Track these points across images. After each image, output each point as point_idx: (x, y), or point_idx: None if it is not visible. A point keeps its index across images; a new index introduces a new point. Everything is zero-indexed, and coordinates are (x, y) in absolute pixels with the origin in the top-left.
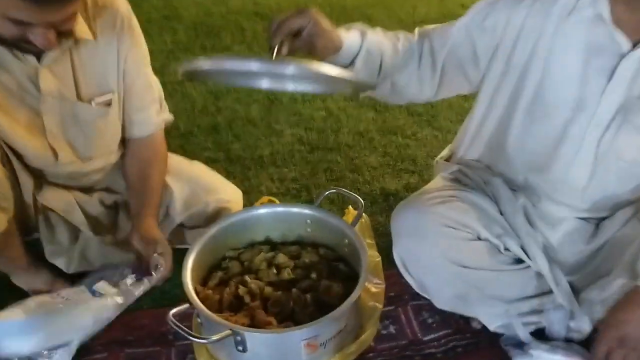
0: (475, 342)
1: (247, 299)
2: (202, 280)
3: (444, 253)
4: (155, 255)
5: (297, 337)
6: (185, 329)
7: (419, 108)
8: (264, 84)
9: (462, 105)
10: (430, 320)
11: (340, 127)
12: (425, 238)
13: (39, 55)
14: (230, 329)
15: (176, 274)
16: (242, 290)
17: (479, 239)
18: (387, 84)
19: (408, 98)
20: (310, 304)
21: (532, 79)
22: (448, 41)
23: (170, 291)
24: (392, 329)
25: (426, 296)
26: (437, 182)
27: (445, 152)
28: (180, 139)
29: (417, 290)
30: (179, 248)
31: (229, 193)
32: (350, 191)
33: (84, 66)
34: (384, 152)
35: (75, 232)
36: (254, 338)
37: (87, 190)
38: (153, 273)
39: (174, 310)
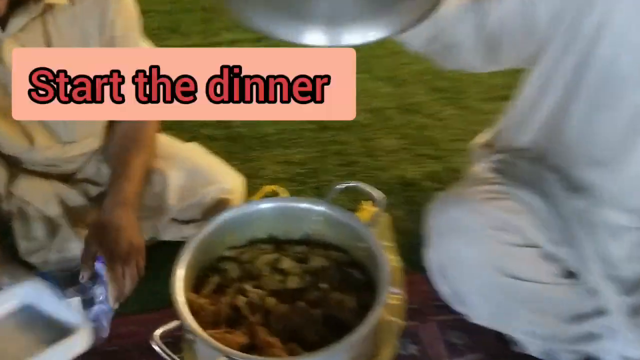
0: None
1: (246, 311)
2: (196, 285)
3: (491, 259)
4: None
5: None
6: (174, 356)
7: (442, 83)
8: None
9: (490, 82)
10: (458, 341)
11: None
12: (472, 240)
13: (3, 23)
14: (227, 356)
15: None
16: (240, 300)
17: (530, 245)
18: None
19: (457, 62)
20: (319, 320)
21: (603, 51)
22: (503, 5)
23: (161, 291)
24: (413, 349)
25: (459, 310)
26: (479, 172)
27: (483, 137)
28: None
29: (449, 302)
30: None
31: (229, 181)
32: (364, 179)
33: (61, 35)
34: (402, 133)
35: (53, 227)
36: None
37: (69, 180)
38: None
39: (160, 331)
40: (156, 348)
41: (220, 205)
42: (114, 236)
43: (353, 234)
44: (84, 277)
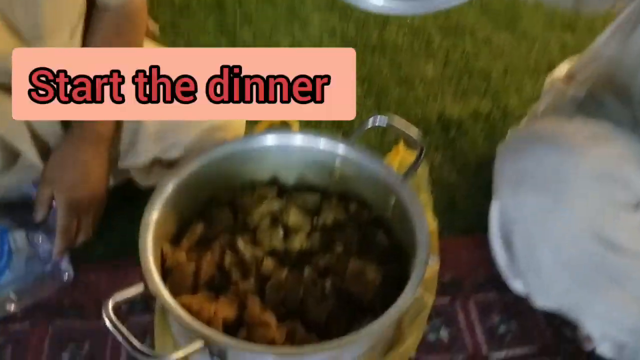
0: None
1: (235, 274)
2: (176, 235)
3: (589, 221)
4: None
5: None
6: (130, 338)
7: (496, 4)
8: None
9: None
10: (502, 328)
11: (388, 21)
12: (567, 194)
13: None
14: (204, 340)
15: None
16: (229, 259)
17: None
18: None
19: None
20: (329, 295)
21: None
22: None
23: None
24: (444, 334)
25: (514, 286)
26: (555, 111)
27: (562, 69)
28: (171, 14)
29: (505, 274)
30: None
31: None
32: (397, 113)
33: None
34: (445, 60)
35: (12, 154)
36: (241, 358)
37: None
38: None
39: (117, 298)
40: (107, 323)
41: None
42: (74, 180)
43: (382, 186)
44: (37, 217)
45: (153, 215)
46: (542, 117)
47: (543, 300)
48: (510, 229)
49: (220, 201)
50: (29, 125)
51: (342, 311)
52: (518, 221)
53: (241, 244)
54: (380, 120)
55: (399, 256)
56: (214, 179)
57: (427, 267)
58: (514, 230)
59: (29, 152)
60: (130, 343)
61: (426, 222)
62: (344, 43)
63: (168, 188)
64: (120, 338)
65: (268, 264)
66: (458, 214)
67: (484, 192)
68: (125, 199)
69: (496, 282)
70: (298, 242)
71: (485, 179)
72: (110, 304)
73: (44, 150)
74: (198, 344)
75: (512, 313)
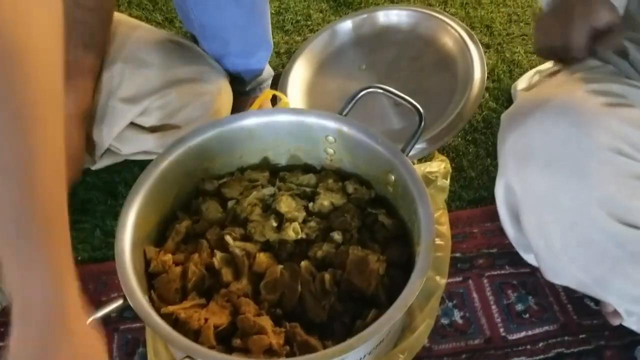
0: (596, 349)
1: (226, 275)
2: (159, 234)
3: (608, 198)
4: None
5: None
6: None
7: None
8: None
9: None
10: (520, 306)
11: None
12: (581, 170)
13: None
14: (191, 357)
15: None
16: (218, 260)
17: None
18: None
19: None
20: (330, 289)
21: None
22: None
23: None
24: (457, 316)
25: (532, 261)
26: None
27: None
28: None
29: (519, 250)
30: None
31: (209, 77)
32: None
33: None
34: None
35: None
36: None
37: None
38: None
39: (96, 314)
40: None
41: (201, 108)
42: None
43: (380, 161)
44: None
45: (131, 214)
46: (545, 78)
47: (558, 280)
48: (518, 207)
49: (206, 191)
50: None
51: (345, 306)
52: (526, 200)
53: (230, 240)
54: (368, 90)
55: (404, 237)
56: (197, 166)
57: (433, 250)
58: (522, 210)
59: None
60: None
61: (429, 201)
62: (335, 3)
63: (147, 182)
64: None
65: (261, 259)
66: (466, 182)
67: (493, 156)
68: (111, 195)
69: (510, 256)
70: (293, 232)
71: (494, 141)
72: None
73: None
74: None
75: (530, 288)
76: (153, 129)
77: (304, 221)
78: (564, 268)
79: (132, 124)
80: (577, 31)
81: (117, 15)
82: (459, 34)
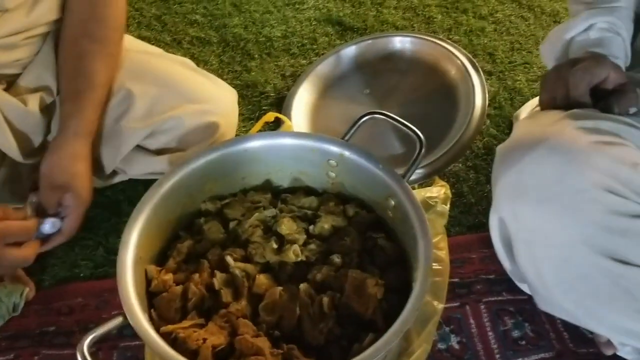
0: None
1: (226, 296)
2: (161, 253)
3: (599, 236)
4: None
5: None
6: None
7: None
8: None
9: None
10: (516, 333)
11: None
12: (571, 207)
13: None
14: None
15: None
16: (219, 280)
17: None
18: None
19: None
20: (328, 312)
21: None
22: None
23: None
24: (454, 341)
25: (527, 290)
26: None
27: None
28: (156, 6)
29: (514, 278)
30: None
31: (217, 100)
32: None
33: None
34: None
35: None
36: None
37: (10, 84)
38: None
39: (96, 333)
40: None
41: (206, 131)
42: (62, 187)
43: (380, 186)
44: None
45: (133, 233)
46: (538, 113)
47: (552, 312)
48: (512, 241)
49: (209, 212)
50: (8, 121)
51: (342, 330)
52: (519, 235)
53: (230, 261)
54: (373, 115)
55: (403, 261)
56: (201, 187)
57: (431, 276)
58: (515, 244)
59: (11, 150)
60: None
61: (428, 227)
62: (340, 28)
63: (151, 201)
64: None
65: (261, 281)
66: (466, 208)
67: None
68: (114, 213)
69: (507, 282)
70: (293, 254)
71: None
72: (86, 343)
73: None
74: None
75: (526, 315)
76: (159, 152)
77: (305, 244)
78: (556, 301)
79: (139, 147)
80: (577, 78)
81: (125, 39)
82: (461, 61)
